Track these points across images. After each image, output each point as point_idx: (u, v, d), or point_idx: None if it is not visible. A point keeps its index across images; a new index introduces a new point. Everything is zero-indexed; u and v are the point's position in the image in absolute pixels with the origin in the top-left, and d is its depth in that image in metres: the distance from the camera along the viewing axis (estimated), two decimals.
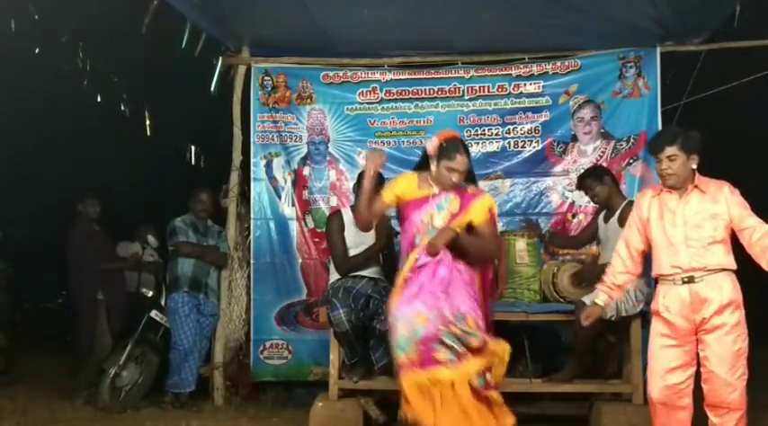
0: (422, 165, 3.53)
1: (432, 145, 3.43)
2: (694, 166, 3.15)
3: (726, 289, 3.09)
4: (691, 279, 3.10)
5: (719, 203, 3.15)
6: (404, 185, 3.50)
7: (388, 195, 3.51)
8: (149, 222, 6.05)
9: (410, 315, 3.23)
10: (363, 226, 3.92)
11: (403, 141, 5.24)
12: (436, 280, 3.29)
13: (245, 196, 5.28)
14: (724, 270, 3.13)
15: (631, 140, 5.00)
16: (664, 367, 3.14)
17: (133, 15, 4.61)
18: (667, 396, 3.14)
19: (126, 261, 5.69)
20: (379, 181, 4.61)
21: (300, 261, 5.22)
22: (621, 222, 4.01)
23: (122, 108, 6.33)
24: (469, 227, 3.40)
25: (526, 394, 4.25)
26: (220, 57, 5.26)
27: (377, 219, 3.73)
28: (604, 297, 3.37)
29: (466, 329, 3.20)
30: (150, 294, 5.68)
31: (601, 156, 5.04)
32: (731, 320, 3.08)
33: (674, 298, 3.14)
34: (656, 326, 3.21)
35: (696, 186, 3.17)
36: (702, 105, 5.03)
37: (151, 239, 5.55)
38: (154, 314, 5.25)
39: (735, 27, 4.61)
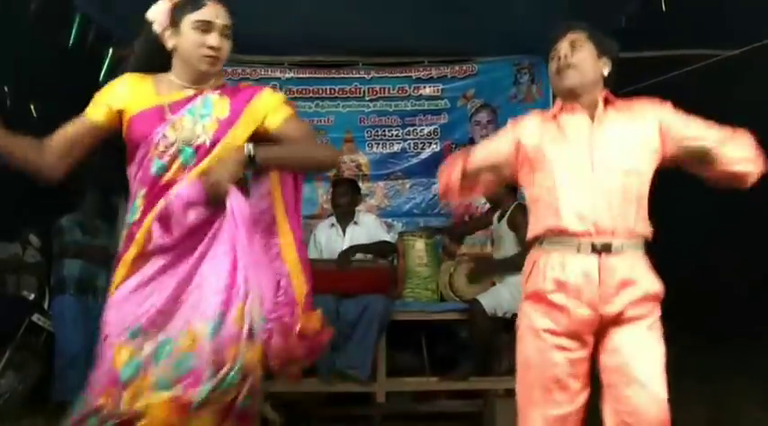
0: (150, 63, 2.11)
1: (160, 11, 2.08)
2: (605, 72, 2.16)
3: (648, 273, 2.07)
4: (606, 248, 2.01)
5: (645, 118, 2.12)
6: (128, 89, 2.05)
7: (97, 109, 2.04)
8: (31, 220, 5.73)
9: (170, 333, 1.87)
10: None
11: None
12: (217, 253, 1.89)
13: None
14: (644, 239, 2.10)
15: None
16: (548, 379, 2.01)
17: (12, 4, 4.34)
18: None
19: (4, 263, 5.37)
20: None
21: None
22: (510, 223, 4.14)
23: (5, 101, 5.98)
24: (263, 138, 2.06)
25: (423, 392, 4.32)
26: (111, 49, 5.04)
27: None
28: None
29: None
30: (32, 297, 5.37)
31: None
32: (655, 313, 2.05)
33: (576, 273, 2.01)
34: (534, 318, 2.07)
35: (608, 101, 2.16)
36: None
37: (33, 239, 5.27)
38: (36, 318, 4.95)
39: (625, 38, 4.85)
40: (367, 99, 5.28)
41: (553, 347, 2.03)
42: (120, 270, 1.98)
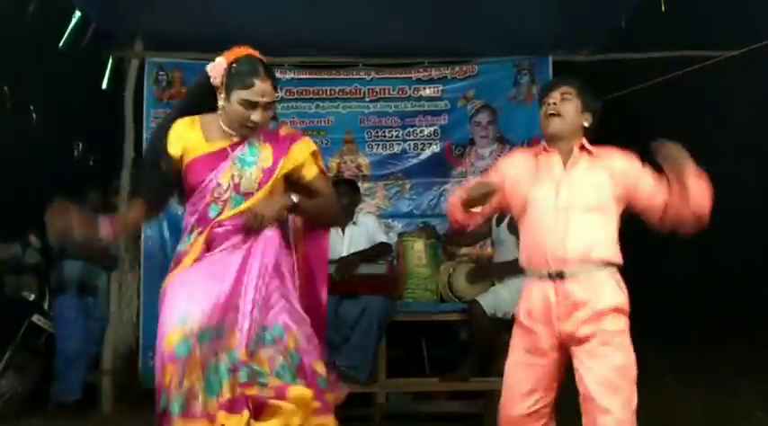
0: (200, 103, 2.42)
1: (216, 69, 2.33)
2: (586, 124, 2.49)
3: (608, 291, 2.37)
4: (560, 275, 2.36)
5: (612, 167, 2.43)
6: (184, 136, 2.36)
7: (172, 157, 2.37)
8: (31, 221, 5.72)
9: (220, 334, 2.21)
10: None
11: None
12: (251, 272, 2.29)
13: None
14: (608, 265, 2.39)
15: (525, 144, 5.15)
16: (516, 390, 2.44)
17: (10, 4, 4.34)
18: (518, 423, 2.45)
19: (5, 263, 5.37)
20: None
21: None
22: (510, 226, 4.14)
23: (6, 101, 5.98)
24: (296, 183, 2.46)
25: (424, 392, 4.32)
26: (110, 50, 5.05)
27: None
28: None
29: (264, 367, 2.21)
30: (32, 297, 5.36)
31: (497, 160, 5.19)
32: (610, 327, 2.33)
33: (538, 298, 2.41)
34: (516, 337, 2.50)
35: (584, 148, 2.47)
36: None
37: (33, 239, 5.27)
38: (36, 318, 4.96)
39: (626, 38, 4.87)
40: (367, 100, 5.28)
41: (525, 364, 2.44)
42: (174, 271, 2.36)
